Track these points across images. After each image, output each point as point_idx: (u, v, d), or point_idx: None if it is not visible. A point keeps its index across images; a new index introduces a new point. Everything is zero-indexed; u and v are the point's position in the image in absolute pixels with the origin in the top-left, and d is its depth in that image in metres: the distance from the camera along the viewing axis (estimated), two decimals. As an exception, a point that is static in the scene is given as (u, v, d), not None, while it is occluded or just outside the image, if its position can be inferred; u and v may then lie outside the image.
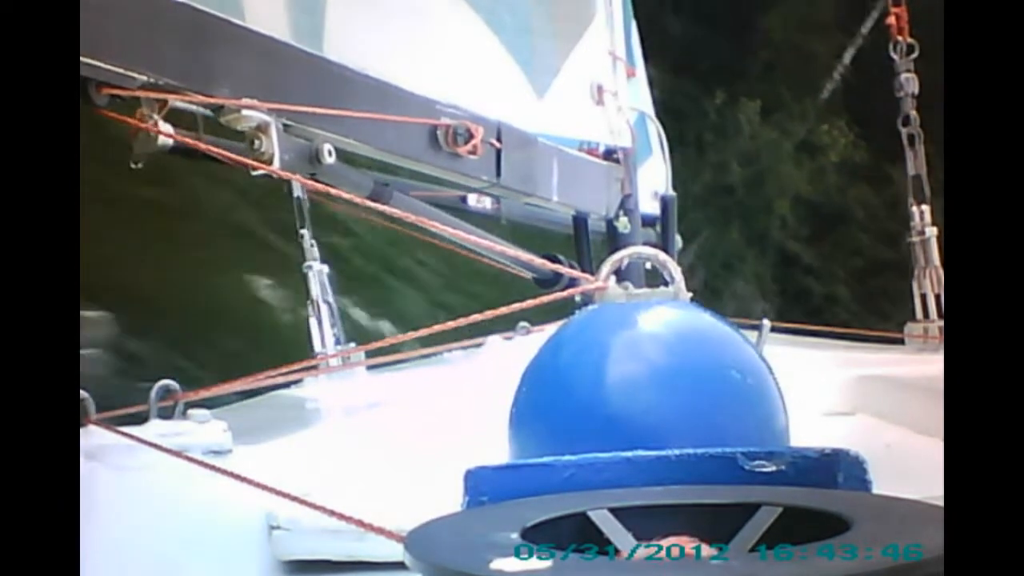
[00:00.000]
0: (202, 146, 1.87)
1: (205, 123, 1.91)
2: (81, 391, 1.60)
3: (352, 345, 2.80)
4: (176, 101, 1.78)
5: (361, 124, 2.09)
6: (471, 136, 2.29)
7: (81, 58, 1.54)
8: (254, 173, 1.83)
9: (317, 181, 2.00)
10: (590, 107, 2.92)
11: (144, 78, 1.70)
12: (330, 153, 1.99)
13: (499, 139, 2.45)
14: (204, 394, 1.88)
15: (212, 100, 1.79)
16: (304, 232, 2.81)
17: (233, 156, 1.85)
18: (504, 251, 2.47)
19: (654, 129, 3.59)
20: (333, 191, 1.97)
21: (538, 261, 2.53)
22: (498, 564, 0.94)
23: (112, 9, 1.63)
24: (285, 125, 1.89)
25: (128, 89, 1.69)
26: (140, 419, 1.79)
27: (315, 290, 2.81)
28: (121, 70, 1.66)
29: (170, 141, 1.77)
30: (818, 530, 1.00)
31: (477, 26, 2.57)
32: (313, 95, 1.98)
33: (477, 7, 2.56)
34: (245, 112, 1.82)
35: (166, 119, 1.77)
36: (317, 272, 2.83)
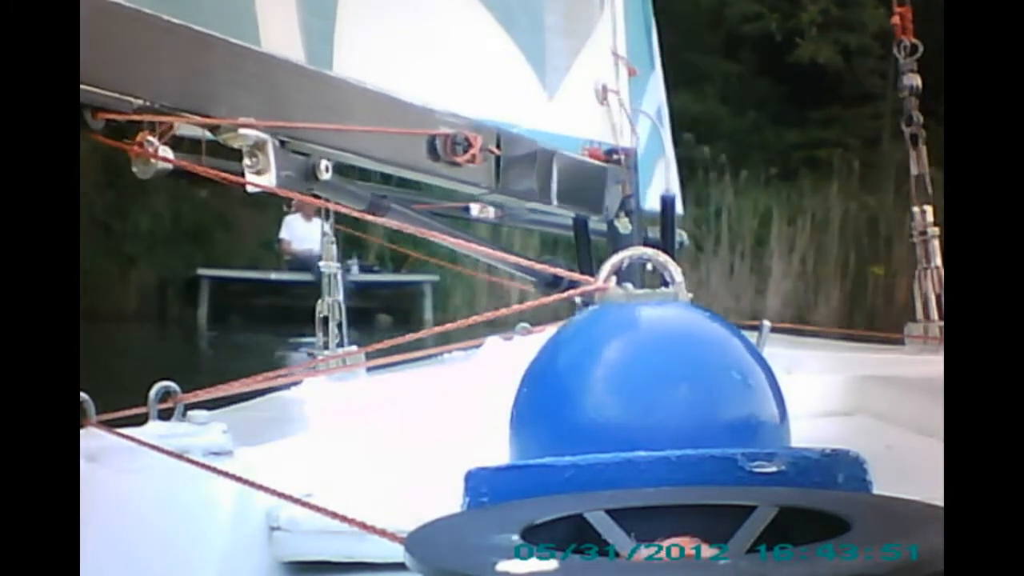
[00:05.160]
0: (199, 168, 1.86)
1: (206, 145, 1.89)
2: (81, 393, 1.60)
3: (354, 348, 2.80)
4: (178, 126, 1.77)
5: (359, 137, 2.09)
6: (470, 145, 2.29)
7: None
8: (250, 190, 1.83)
9: (315, 196, 2.00)
10: (598, 107, 2.91)
11: (140, 102, 1.69)
12: (327, 169, 1.98)
13: (498, 146, 2.45)
14: (203, 396, 1.88)
15: (208, 121, 1.78)
16: (326, 231, 2.81)
17: (231, 177, 1.84)
18: (504, 257, 2.47)
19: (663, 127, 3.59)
20: (331, 205, 1.97)
21: (538, 265, 2.52)
22: (503, 566, 0.94)
23: (108, 33, 1.62)
24: (282, 141, 1.88)
25: (124, 113, 1.68)
26: (140, 421, 1.79)
27: (326, 291, 2.81)
28: (117, 94, 1.65)
29: (169, 165, 1.76)
30: (818, 530, 1.00)
31: (489, 24, 2.55)
32: (310, 110, 1.97)
33: (490, 4, 2.54)
34: (242, 131, 1.81)
35: (169, 141, 1.75)
36: (332, 274, 2.82)
